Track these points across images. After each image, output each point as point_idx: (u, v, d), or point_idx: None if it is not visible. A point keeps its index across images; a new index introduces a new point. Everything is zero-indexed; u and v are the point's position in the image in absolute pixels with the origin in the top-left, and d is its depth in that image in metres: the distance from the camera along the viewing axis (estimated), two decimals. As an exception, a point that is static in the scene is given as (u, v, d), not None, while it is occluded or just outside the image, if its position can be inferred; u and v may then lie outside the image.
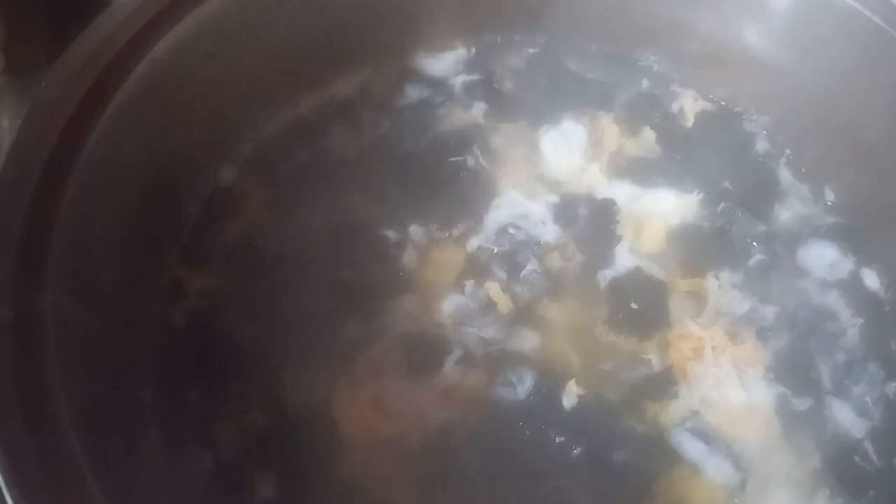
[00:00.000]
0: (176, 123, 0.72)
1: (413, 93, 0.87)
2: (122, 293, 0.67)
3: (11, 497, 0.47)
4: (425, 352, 0.70)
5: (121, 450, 0.59)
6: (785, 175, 0.82)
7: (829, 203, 0.80)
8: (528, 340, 0.71)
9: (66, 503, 0.49)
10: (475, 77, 0.88)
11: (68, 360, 0.55)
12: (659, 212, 0.79)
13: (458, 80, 0.88)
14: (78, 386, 0.55)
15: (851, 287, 0.76)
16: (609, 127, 0.84)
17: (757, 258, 0.76)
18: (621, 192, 0.80)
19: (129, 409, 0.65)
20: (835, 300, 0.75)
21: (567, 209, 0.79)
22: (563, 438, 0.66)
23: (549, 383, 0.69)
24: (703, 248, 0.77)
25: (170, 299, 0.73)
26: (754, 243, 0.77)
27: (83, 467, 0.51)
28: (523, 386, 0.69)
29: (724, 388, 0.70)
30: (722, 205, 0.79)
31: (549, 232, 0.77)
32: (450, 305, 0.73)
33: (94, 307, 0.61)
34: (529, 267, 0.75)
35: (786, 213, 0.80)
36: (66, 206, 0.58)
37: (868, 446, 0.67)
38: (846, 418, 0.69)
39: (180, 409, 0.67)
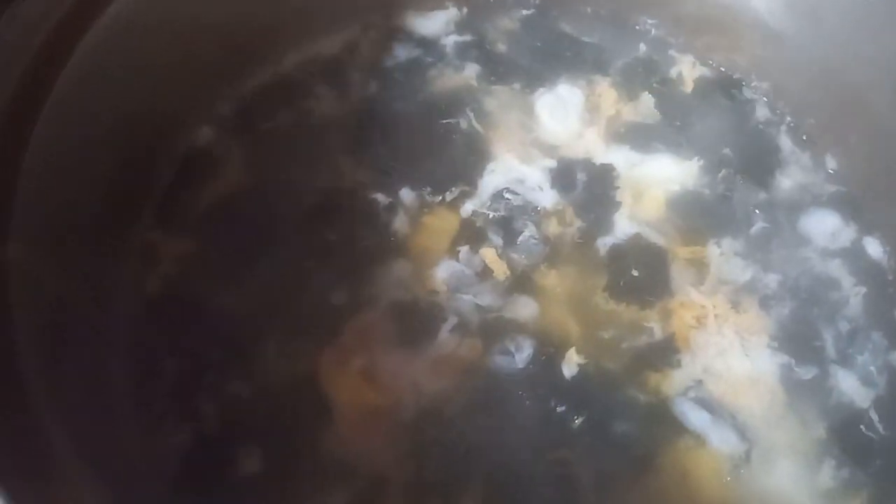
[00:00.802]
0: (147, 76, 0.67)
1: (402, 53, 0.83)
2: (92, 255, 0.63)
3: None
4: (418, 320, 0.67)
5: (95, 424, 0.56)
6: (785, 142, 0.80)
7: (831, 171, 0.78)
8: (525, 308, 0.68)
9: (38, 481, 0.45)
10: (467, 38, 0.84)
11: (34, 323, 0.51)
12: (658, 178, 0.76)
13: (450, 41, 0.84)
14: (46, 352, 0.52)
15: (854, 255, 0.74)
16: (606, 91, 0.81)
17: (758, 226, 0.74)
18: (620, 158, 0.77)
19: (103, 380, 0.60)
20: (837, 269, 0.73)
21: (564, 174, 0.76)
22: (563, 408, 0.64)
23: (549, 352, 0.66)
24: (703, 215, 0.75)
25: (143, 264, 0.68)
26: (756, 211, 0.75)
27: (55, 442, 0.48)
28: (521, 355, 0.66)
29: (728, 357, 0.68)
30: (722, 171, 0.77)
31: (547, 197, 0.74)
32: (444, 272, 0.69)
33: (62, 267, 0.57)
34: (526, 233, 0.72)
35: (787, 181, 0.78)
36: (29, 156, 0.54)
37: (873, 415, 0.66)
38: (851, 387, 0.67)
39: (157, 380, 0.63)
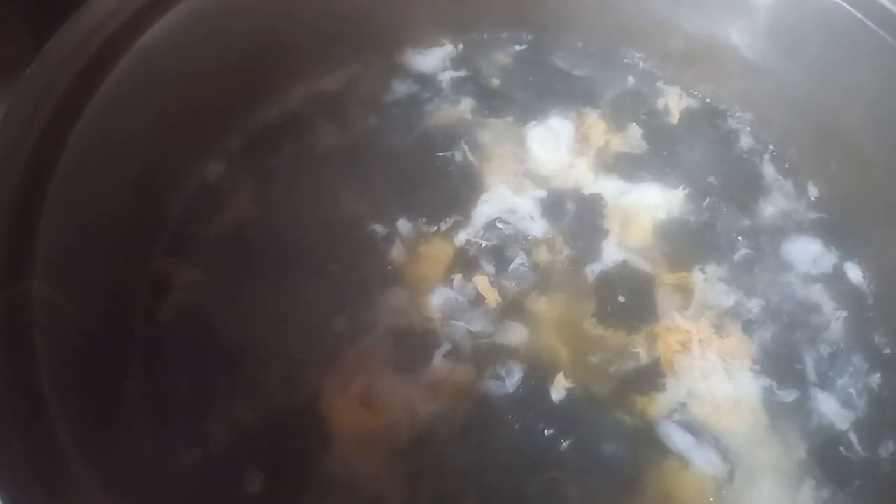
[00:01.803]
0: (162, 115, 0.71)
1: (401, 88, 0.87)
2: (109, 285, 0.66)
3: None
4: (414, 346, 0.70)
5: (108, 445, 0.58)
6: (769, 170, 0.83)
7: (813, 198, 0.81)
8: (516, 334, 0.71)
9: (52, 497, 0.48)
10: (462, 73, 0.88)
11: (56, 351, 0.55)
12: (645, 206, 0.80)
13: (446, 77, 0.88)
14: (65, 378, 0.55)
15: (835, 281, 0.77)
16: (596, 123, 0.85)
17: (742, 252, 0.77)
18: (608, 187, 0.81)
19: (117, 403, 0.64)
20: (818, 293, 0.76)
21: (554, 204, 0.79)
22: (552, 431, 0.66)
23: (538, 376, 0.69)
24: (689, 242, 0.78)
25: (156, 293, 0.72)
26: (739, 237, 0.78)
27: (70, 463, 0.50)
28: (512, 379, 0.69)
29: (711, 381, 0.70)
30: (707, 199, 0.80)
31: (537, 226, 0.77)
32: (438, 299, 0.73)
33: (81, 298, 0.61)
34: (517, 261, 0.75)
35: (770, 208, 0.80)
36: (51, 195, 0.58)
37: (853, 437, 0.68)
38: (831, 410, 0.69)
39: (168, 403, 0.67)
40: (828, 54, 0.77)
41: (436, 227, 0.77)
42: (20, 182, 0.55)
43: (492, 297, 0.73)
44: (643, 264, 0.76)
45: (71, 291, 0.58)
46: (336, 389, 0.68)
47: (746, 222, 0.79)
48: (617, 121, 0.85)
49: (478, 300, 0.73)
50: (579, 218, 0.78)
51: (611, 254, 0.76)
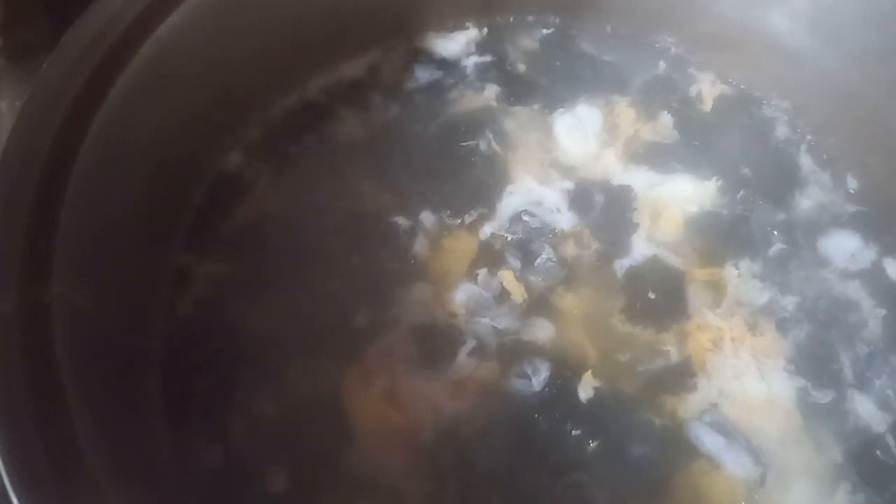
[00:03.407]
0: (181, 106, 0.69)
1: (423, 75, 0.84)
2: (128, 281, 0.65)
3: (16, 492, 0.45)
4: (437, 342, 0.69)
5: (128, 442, 0.58)
6: (806, 162, 0.80)
7: (851, 191, 0.78)
8: (542, 331, 0.70)
9: (72, 497, 0.48)
10: (487, 59, 0.86)
11: (75, 350, 0.54)
12: (676, 199, 0.77)
13: (470, 62, 0.85)
14: (84, 377, 0.54)
15: (873, 277, 0.74)
16: (625, 111, 0.82)
17: (777, 247, 0.75)
18: (638, 179, 0.78)
19: (137, 400, 0.64)
20: (856, 290, 0.73)
21: (582, 196, 0.77)
22: (579, 432, 0.65)
23: (565, 375, 0.67)
24: (721, 236, 0.75)
25: (176, 287, 0.71)
26: (774, 232, 0.75)
27: (90, 461, 0.50)
28: (538, 378, 0.67)
29: (744, 381, 0.68)
30: (741, 192, 0.77)
31: (564, 219, 0.75)
32: (462, 294, 0.71)
33: (100, 295, 0.60)
34: (544, 255, 0.73)
35: (806, 201, 0.78)
36: (70, 193, 0.57)
37: (890, 440, 0.66)
38: (868, 411, 0.67)
39: (188, 399, 0.66)
40: (870, 42, 0.74)
41: (460, 220, 0.75)
42: (38, 180, 0.54)
43: (517, 293, 0.71)
44: (674, 259, 0.74)
45: (90, 290, 0.57)
46: (358, 385, 0.67)
47: (782, 216, 0.76)
48: (647, 109, 0.82)
49: (503, 296, 0.71)
50: (608, 211, 0.76)
51: (640, 248, 0.74)
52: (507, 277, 0.72)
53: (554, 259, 0.73)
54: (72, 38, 0.60)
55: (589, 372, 0.67)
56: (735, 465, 0.65)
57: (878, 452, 0.66)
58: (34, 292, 0.51)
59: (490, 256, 0.73)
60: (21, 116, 0.56)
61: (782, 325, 0.71)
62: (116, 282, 0.63)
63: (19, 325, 0.50)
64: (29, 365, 0.50)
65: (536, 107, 0.83)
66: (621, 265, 0.73)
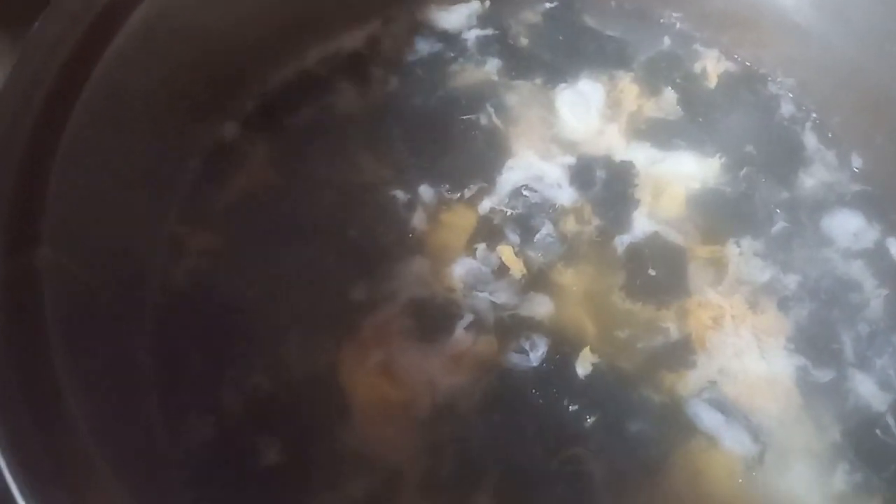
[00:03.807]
0: (174, 74, 0.68)
1: (424, 47, 0.83)
2: (121, 249, 0.64)
3: (10, 468, 0.44)
4: (435, 316, 0.68)
5: (121, 416, 0.57)
6: (810, 140, 0.79)
7: (856, 170, 0.77)
8: (541, 306, 0.69)
9: (66, 472, 0.47)
10: (489, 32, 0.84)
11: (65, 319, 0.53)
12: (679, 175, 0.76)
13: (471, 35, 0.84)
14: (74, 345, 0.53)
15: (876, 257, 0.73)
16: (628, 87, 0.81)
17: (780, 225, 0.74)
18: (640, 155, 0.77)
19: (129, 373, 0.62)
20: (859, 270, 0.72)
21: (583, 171, 0.76)
22: (576, 407, 0.64)
23: (563, 351, 0.67)
24: (724, 213, 0.74)
25: (169, 258, 0.70)
26: (777, 210, 0.74)
27: (83, 435, 0.49)
28: (536, 353, 0.66)
29: (744, 359, 0.67)
30: (744, 169, 0.76)
31: (565, 195, 0.74)
32: (461, 269, 0.70)
33: (91, 263, 0.59)
34: (544, 231, 0.72)
35: (810, 180, 0.77)
36: (60, 157, 0.56)
37: (890, 420, 0.66)
38: (868, 391, 0.67)
39: (181, 373, 0.65)
40: (879, 20, 0.73)
41: (459, 194, 0.74)
42: (27, 145, 0.52)
43: (516, 268, 0.70)
44: (675, 236, 0.73)
45: (81, 258, 0.56)
46: (355, 360, 0.66)
47: (785, 194, 0.75)
48: (651, 84, 0.81)
49: (502, 271, 0.70)
50: (609, 187, 0.75)
51: (641, 225, 0.73)
52: (505, 252, 0.71)
53: (554, 235, 0.72)
54: (60, 2, 0.58)
55: (587, 348, 0.66)
56: (733, 442, 0.64)
57: (878, 432, 0.65)
58: (23, 257, 0.50)
59: (489, 231, 0.72)
60: (10, 79, 0.55)
61: (783, 304, 0.70)
62: (108, 249, 0.62)
63: (7, 290, 0.49)
64: (16, 331, 0.49)
65: (538, 81, 0.81)
66: (622, 241, 0.72)
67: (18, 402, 0.47)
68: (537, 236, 0.72)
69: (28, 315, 0.50)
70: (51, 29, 0.57)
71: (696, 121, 0.79)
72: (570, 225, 0.73)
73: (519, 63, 0.82)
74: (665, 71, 0.82)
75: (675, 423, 0.65)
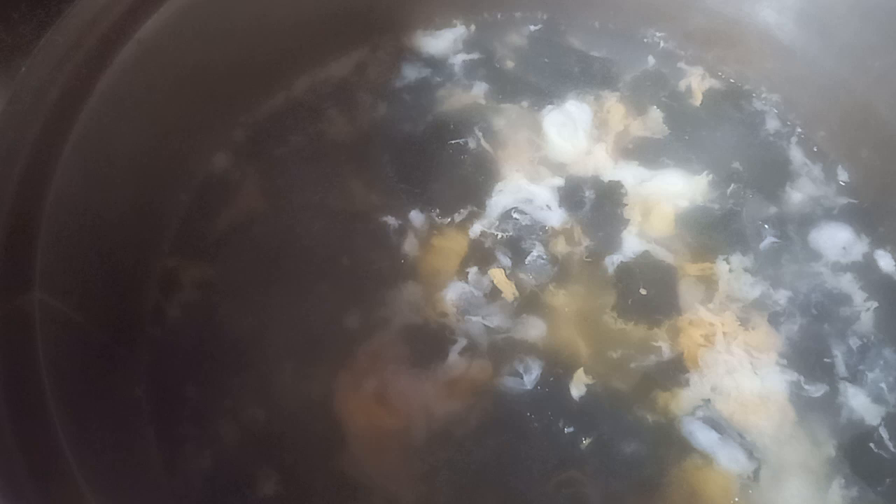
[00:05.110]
0: (164, 109, 0.68)
1: (411, 73, 0.84)
2: (114, 287, 0.65)
3: (1, 503, 0.45)
4: (428, 342, 0.68)
5: (115, 451, 0.58)
6: (796, 155, 0.80)
7: (843, 183, 0.78)
8: (534, 329, 0.69)
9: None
10: (475, 56, 0.85)
11: (58, 359, 0.53)
12: (667, 194, 0.77)
13: (458, 59, 0.85)
14: (68, 386, 0.54)
15: (865, 270, 0.74)
16: (615, 106, 0.82)
17: (768, 241, 0.74)
18: (628, 174, 0.78)
19: (124, 407, 0.63)
20: (848, 283, 0.73)
21: (572, 192, 0.76)
22: (571, 429, 0.65)
23: (557, 373, 0.67)
24: (712, 231, 0.75)
25: (163, 291, 0.71)
26: (765, 226, 0.75)
27: (74, 470, 0.49)
28: (530, 376, 0.67)
29: (737, 376, 0.68)
30: (732, 186, 0.77)
31: (555, 216, 0.75)
32: (453, 293, 0.71)
33: (85, 303, 0.59)
34: (535, 253, 0.73)
35: (797, 195, 0.77)
36: (51, 199, 0.56)
37: (884, 433, 0.66)
38: (861, 405, 0.67)
39: (177, 406, 0.65)
40: (860, 35, 0.74)
41: (450, 219, 0.74)
42: (18, 185, 0.53)
43: (508, 291, 0.71)
44: (665, 255, 0.73)
45: (74, 299, 0.57)
46: (349, 387, 0.67)
47: (773, 209, 0.76)
48: (636, 104, 0.82)
49: (494, 294, 0.71)
50: (598, 207, 0.76)
51: (631, 244, 0.74)
52: (497, 276, 0.71)
53: (545, 256, 0.73)
54: (53, 38, 0.59)
55: (581, 369, 0.67)
56: (728, 460, 0.64)
57: (872, 445, 0.66)
58: (14, 301, 0.50)
59: (480, 255, 0.73)
60: (0, 120, 0.55)
61: (774, 319, 0.71)
62: (102, 288, 0.62)
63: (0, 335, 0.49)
64: (11, 376, 0.49)
65: (525, 104, 0.82)
66: (612, 261, 0.73)
67: (11, 442, 0.47)
68: (528, 258, 0.72)
69: (21, 358, 0.50)
70: (38, 72, 0.58)
71: (682, 139, 0.80)
72: (560, 246, 0.74)
73: (506, 86, 0.83)
74: (650, 90, 0.83)
75: (669, 442, 0.65)
